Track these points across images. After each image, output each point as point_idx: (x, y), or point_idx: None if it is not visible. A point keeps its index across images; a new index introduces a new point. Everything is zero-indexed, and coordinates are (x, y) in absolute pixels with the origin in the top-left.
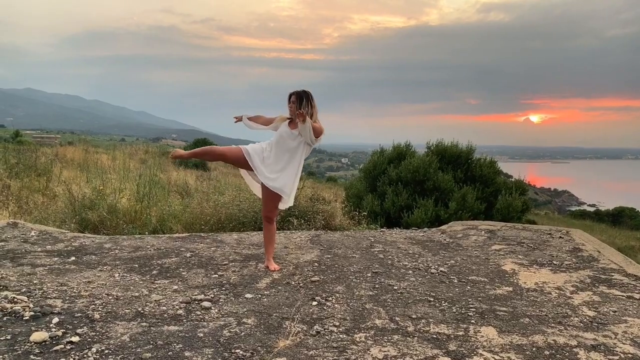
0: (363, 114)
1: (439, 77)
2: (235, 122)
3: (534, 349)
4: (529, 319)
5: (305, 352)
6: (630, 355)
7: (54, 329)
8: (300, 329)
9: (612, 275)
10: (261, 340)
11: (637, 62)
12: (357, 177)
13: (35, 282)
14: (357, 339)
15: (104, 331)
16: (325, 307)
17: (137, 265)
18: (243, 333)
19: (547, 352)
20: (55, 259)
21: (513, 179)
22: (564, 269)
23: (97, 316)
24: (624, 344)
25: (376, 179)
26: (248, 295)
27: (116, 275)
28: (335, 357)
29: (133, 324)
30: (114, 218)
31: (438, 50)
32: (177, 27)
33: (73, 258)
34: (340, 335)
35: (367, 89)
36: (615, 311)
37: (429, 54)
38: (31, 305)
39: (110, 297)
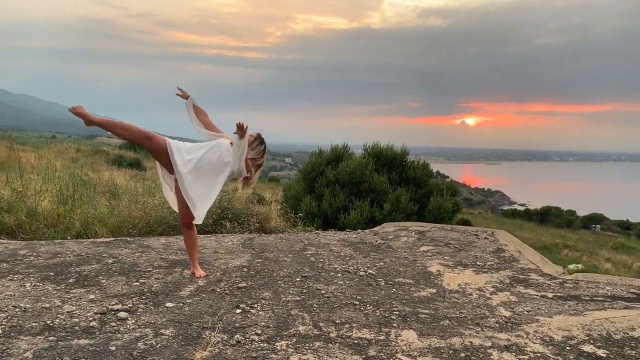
0: (307, 114)
1: (381, 80)
2: (178, 94)
3: (450, 351)
4: (449, 321)
5: None
6: (539, 354)
7: None
8: (220, 339)
9: (530, 275)
10: (177, 352)
11: (562, 70)
12: (295, 178)
13: None
14: (278, 347)
15: (4, 348)
16: (249, 315)
17: (52, 274)
18: (159, 345)
19: (462, 355)
20: None
21: (448, 180)
22: (486, 270)
23: None
24: (534, 343)
25: (314, 180)
26: (169, 304)
27: (27, 284)
28: None
29: (39, 339)
30: (33, 222)
31: (380, 53)
32: (114, 21)
33: None
34: (261, 344)
35: (311, 90)
36: (529, 311)
37: (371, 56)
38: None
39: (17, 310)
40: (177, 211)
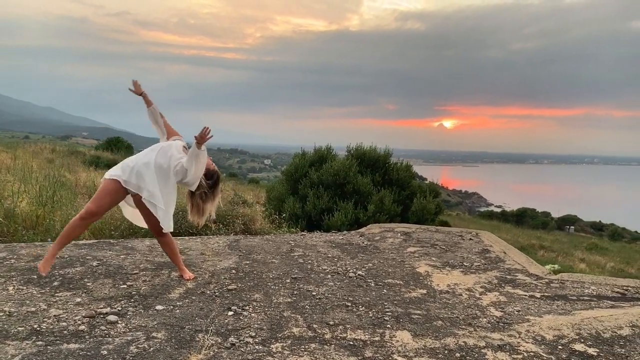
0: (286, 116)
1: (360, 82)
2: (131, 89)
3: (445, 351)
4: (442, 321)
5: None
6: (532, 353)
7: None
8: (214, 342)
9: (517, 276)
10: (171, 356)
11: (537, 74)
12: (278, 180)
13: None
14: (274, 350)
15: None
16: (241, 317)
17: (35, 277)
18: (152, 349)
19: (458, 355)
20: None
21: (427, 182)
22: (474, 270)
23: None
24: (526, 342)
25: (298, 181)
26: (159, 307)
27: (10, 288)
28: None
29: (27, 344)
30: (11, 224)
31: (359, 56)
32: (90, 19)
33: None
34: (256, 347)
35: (290, 91)
36: (519, 311)
37: (350, 58)
38: None
39: (1, 314)
40: (143, 226)
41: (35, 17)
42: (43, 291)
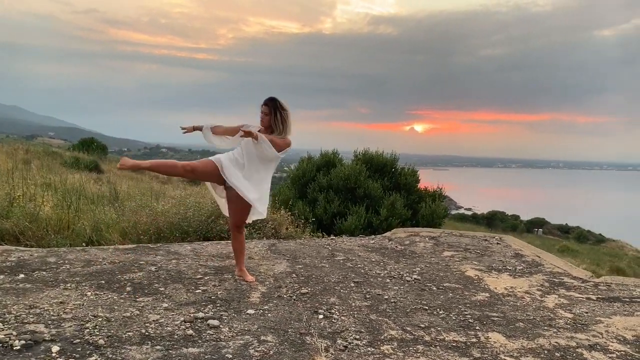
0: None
1: (333, 85)
2: (184, 132)
3: (545, 351)
4: (522, 323)
5: None
6: (623, 352)
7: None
8: (326, 344)
9: (563, 279)
10: (296, 358)
11: (505, 80)
12: (284, 184)
13: None
14: (386, 352)
15: (118, 358)
16: (333, 321)
17: (103, 282)
18: (271, 351)
19: (557, 354)
20: (1, 277)
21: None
22: (520, 274)
23: (101, 342)
24: (612, 342)
25: (306, 185)
26: (250, 311)
27: (88, 293)
28: None
29: (146, 348)
30: (38, 228)
31: (331, 59)
32: (56, 17)
33: (22, 276)
34: (369, 349)
35: (263, 93)
36: (586, 312)
37: (323, 61)
38: (14, 333)
39: (99, 319)
40: (227, 215)
41: None
42: (122, 297)
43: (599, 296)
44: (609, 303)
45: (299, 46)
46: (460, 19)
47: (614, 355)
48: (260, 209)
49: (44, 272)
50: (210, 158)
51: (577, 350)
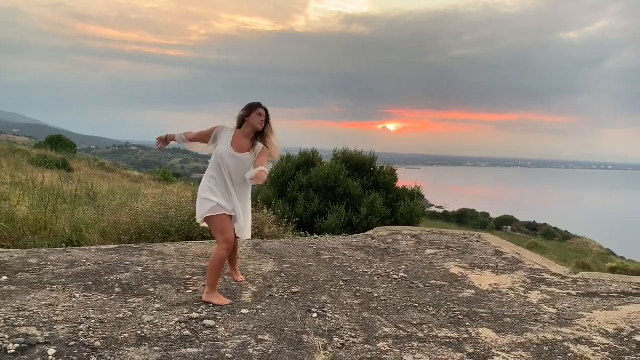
0: (232, 116)
1: (306, 84)
2: (160, 147)
3: (535, 345)
4: (510, 318)
5: None
6: (607, 345)
7: None
8: (323, 342)
9: (543, 276)
10: (296, 357)
11: (476, 80)
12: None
13: None
14: (382, 348)
15: (117, 359)
16: (327, 319)
17: (90, 283)
18: (271, 350)
19: (546, 348)
20: None
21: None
22: (502, 271)
23: (97, 343)
24: (596, 336)
25: (285, 184)
26: (244, 311)
27: (77, 295)
28: None
29: (144, 349)
30: (13, 228)
31: (304, 57)
32: (20, 10)
33: (5, 278)
34: (366, 346)
35: (236, 90)
36: (569, 307)
37: (296, 59)
38: (7, 336)
39: (92, 321)
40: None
41: None
42: (113, 298)
43: (579, 292)
44: (589, 298)
45: (272, 44)
46: (431, 19)
47: (599, 348)
48: (248, 236)
49: (27, 274)
50: (221, 216)
51: (563, 344)
